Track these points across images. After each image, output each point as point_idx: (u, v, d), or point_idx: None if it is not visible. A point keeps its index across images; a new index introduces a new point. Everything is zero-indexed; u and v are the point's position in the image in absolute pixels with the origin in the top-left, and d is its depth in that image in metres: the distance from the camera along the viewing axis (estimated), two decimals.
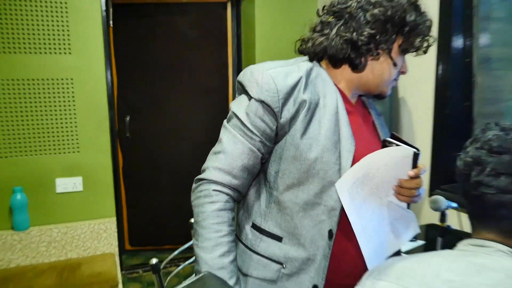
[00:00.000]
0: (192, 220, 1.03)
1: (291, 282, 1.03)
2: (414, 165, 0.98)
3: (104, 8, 2.37)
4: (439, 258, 0.81)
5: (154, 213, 3.28)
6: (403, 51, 1.02)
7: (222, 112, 3.13)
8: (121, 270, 2.84)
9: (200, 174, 1.03)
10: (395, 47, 1.01)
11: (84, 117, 2.40)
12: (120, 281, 2.25)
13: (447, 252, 0.83)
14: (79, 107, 2.38)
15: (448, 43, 1.89)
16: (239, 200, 1.09)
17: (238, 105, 1.02)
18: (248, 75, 1.01)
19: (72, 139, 2.39)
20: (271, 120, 0.98)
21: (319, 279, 1.01)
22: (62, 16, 2.27)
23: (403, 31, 1.00)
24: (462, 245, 0.84)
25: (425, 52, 1.05)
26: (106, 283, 2.14)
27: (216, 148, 1.03)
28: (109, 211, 2.51)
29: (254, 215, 1.07)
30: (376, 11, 0.97)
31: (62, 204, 2.42)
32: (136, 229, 3.30)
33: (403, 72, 1.08)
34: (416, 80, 2.04)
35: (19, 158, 2.30)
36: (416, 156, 0.96)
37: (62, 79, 2.32)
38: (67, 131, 2.37)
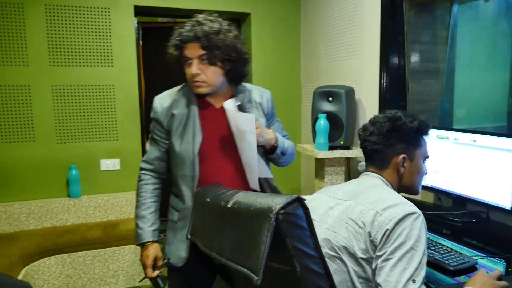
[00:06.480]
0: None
1: (183, 222, 1.57)
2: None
3: (136, 31, 3.13)
4: (348, 182, 1.35)
5: None
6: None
7: None
8: None
9: None
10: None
11: (122, 113, 3.11)
12: None
13: (353, 179, 1.36)
14: (118, 106, 3.09)
15: (387, 60, 2.57)
16: (162, 177, 1.64)
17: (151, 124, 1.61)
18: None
19: (113, 130, 3.10)
20: (161, 128, 1.55)
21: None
22: (107, 39, 3.02)
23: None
24: (360, 175, 1.36)
25: None
26: None
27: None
28: None
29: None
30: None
31: (105, 179, 3.10)
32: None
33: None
34: (367, 87, 2.75)
35: (74, 144, 3.00)
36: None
37: (106, 85, 3.05)
38: (109, 124, 3.08)
